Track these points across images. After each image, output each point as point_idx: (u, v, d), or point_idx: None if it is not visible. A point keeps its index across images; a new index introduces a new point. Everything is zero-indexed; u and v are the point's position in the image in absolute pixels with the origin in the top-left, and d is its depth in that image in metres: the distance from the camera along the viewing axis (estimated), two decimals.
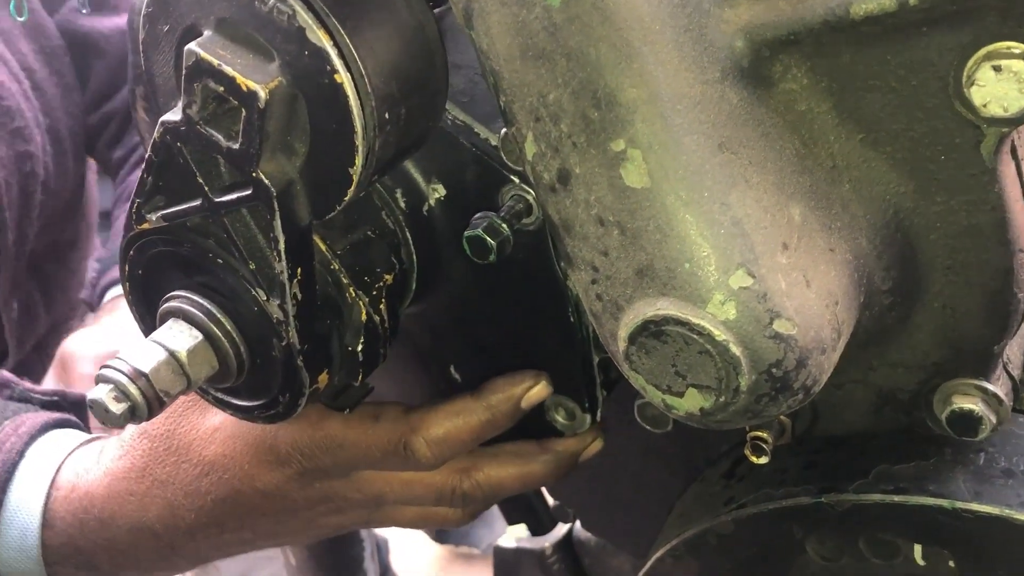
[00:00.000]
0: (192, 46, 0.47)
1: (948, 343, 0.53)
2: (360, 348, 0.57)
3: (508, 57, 0.46)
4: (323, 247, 0.56)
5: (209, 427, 0.65)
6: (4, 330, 1.22)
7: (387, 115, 0.48)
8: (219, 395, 0.58)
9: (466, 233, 0.54)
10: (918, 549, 0.55)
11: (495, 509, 0.86)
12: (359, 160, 0.48)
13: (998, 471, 0.54)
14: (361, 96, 0.47)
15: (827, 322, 0.46)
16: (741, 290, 0.44)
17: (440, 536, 2.26)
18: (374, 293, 0.57)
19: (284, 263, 0.51)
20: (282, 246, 0.50)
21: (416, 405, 0.63)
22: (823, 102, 0.47)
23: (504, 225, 0.54)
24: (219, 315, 0.53)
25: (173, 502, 0.66)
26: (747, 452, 0.57)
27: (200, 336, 0.53)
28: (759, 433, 0.57)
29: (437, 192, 0.58)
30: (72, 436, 0.72)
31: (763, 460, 0.57)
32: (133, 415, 0.51)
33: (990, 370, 0.53)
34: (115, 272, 1.28)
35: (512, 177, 0.55)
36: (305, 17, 0.46)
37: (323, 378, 0.55)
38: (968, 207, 0.48)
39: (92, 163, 1.40)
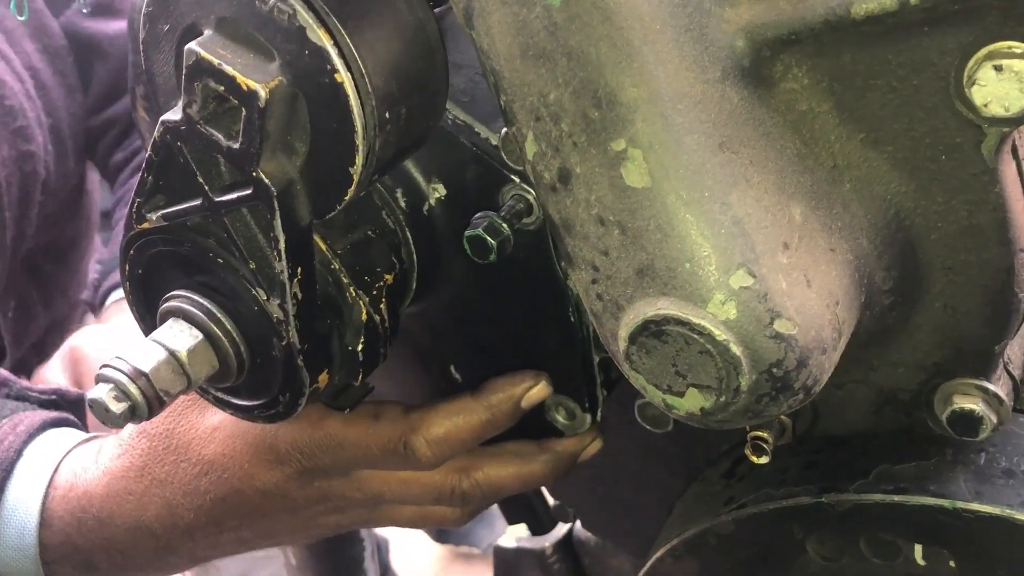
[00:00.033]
0: (192, 45, 0.47)
1: (949, 343, 0.53)
2: (360, 348, 0.57)
3: (508, 56, 0.46)
4: (323, 247, 0.56)
5: (209, 426, 0.65)
6: (0, 328, 1.22)
7: (387, 114, 0.48)
8: (219, 394, 0.58)
9: (466, 233, 0.54)
10: (919, 549, 0.55)
11: (495, 509, 0.86)
12: (359, 159, 0.48)
13: (999, 471, 0.54)
14: (361, 95, 0.47)
15: (828, 322, 0.46)
16: (742, 290, 0.44)
17: (440, 536, 2.26)
18: (374, 293, 0.57)
19: (284, 263, 0.51)
20: (282, 246, 0.50)
21: (416, 405, 0.63)
22: (824, 102, 0.47)
23: (504, 225, 0.54)
24: (219, 315, 0.53)
25: (172, 501, 0.66)
26: (747, 452, 0.57)
27: (200, 336, 0.53)
28: (759, 433, 0.57)
29: (437, 191, 0.58)
30: (70, 435, 0.72)
31: (763, 460, 0.57)
32: (133, 414, 0.51)
33: (991, 370, 0.53)
34: (118, 275, 1.28)
35: (513, 177, 0.55)
36: (305, 16, 0.46)
37: (323, 378, 0.55)
38: (969, 207, 0.48)
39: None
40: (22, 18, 1.20)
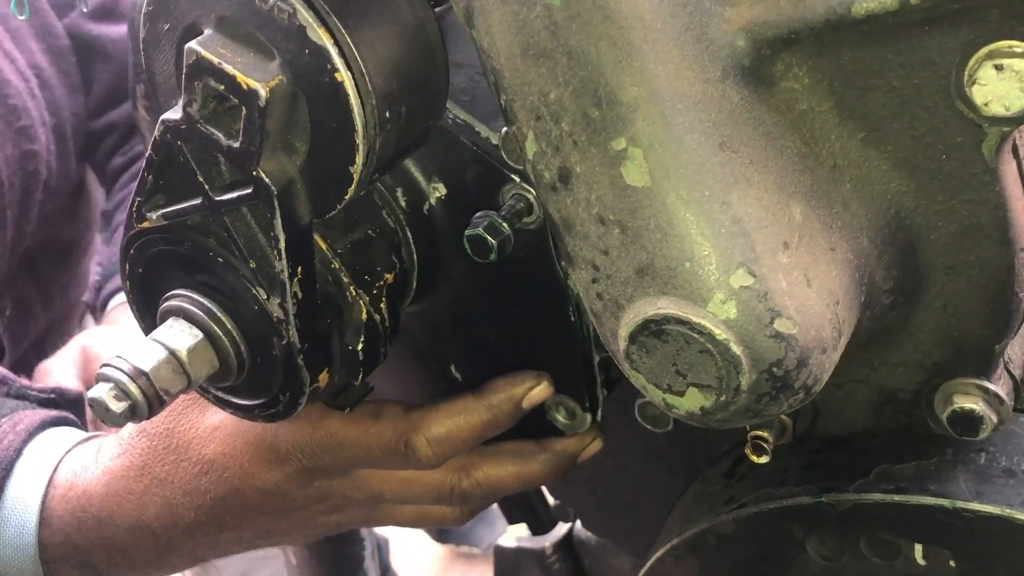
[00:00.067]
0: (192, 44, 0.47)
1: (949, 342, 0.53)
2: (360, 347, 0.57)
3: (509, 55, 0.46)
4: (324, 246, 0.56)
5: (209, 426, 0.65)
6: None
7: (388, 114, 0.48)
8: (219, 394, 0.58)
9: (467, 232, 0.54)
10: (919, 549, 0.55)
11: (496, 509, 0.86)
12: (359, 159, 0.48)
13: (999, 471, 0.54)
14: (362, 94, 0.47)
15: (828, 321, 0.46)
16: (742, 289, 0.44)
17: (441, 535, 2.26)
18: (375, 292, 0.57)
19: (284, 262, 0.51)
20: (282, 245, 0.50)
21: (417, 404, 0.63)
22: (824, 101, 0.47)
23: (505, 224, 0.54)
24: (219, 314, 0.53)
25: (172, 501, 0.66)
26: (748, 451, 0.57)
27: (200, 335, 0.53)
28: (760, 432, 0.57)
29: (438, 191, 0.58)
30: (70, 434, 0.72)
31: (764, 459, 0.57)
32: (133, 414, 0.51)
33: (991, 369, 0.53)
34: (119, 280, 1.29)
35: (513, 176, 0.55)
36: (306, 15, 0.46)
37: (323, 377, 0.55)
38: (969, 206, 0.48)
39: None
40: (23, 17, 1.20)
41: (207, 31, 0.48)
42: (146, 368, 0.51)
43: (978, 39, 0.43)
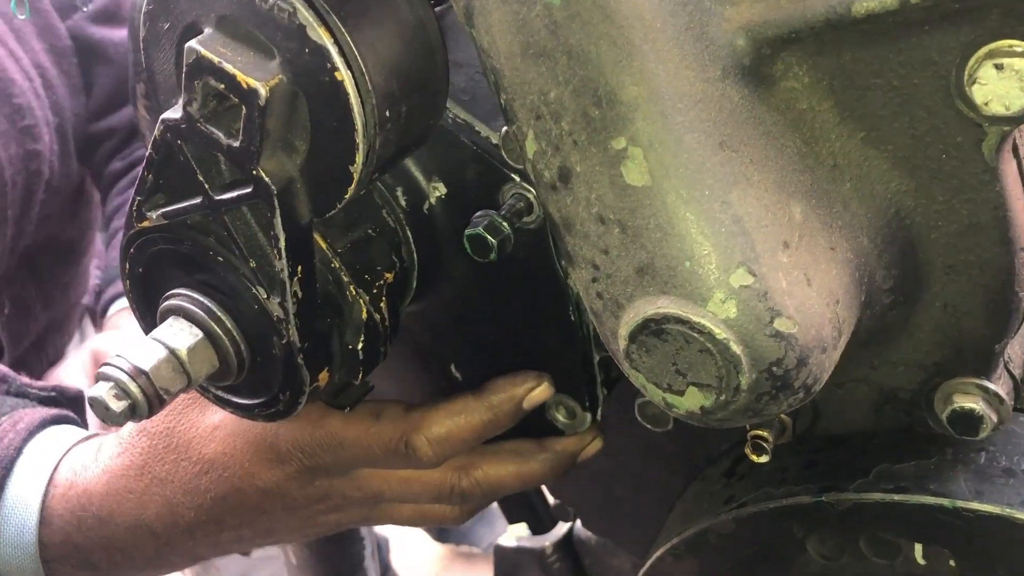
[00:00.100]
0: (192, 44, 0.47)
1: (949, 342, 0.53)
2: (360, 346, 0.57)
3: (509, 55, 0.46)
4: (324, 245, 0.56)
5: (209, 425, 0.65)
6: None
7: (388, 113, 0.48)
8: (219, 393, 0.58)
9: (467, 231, 0.54)
10: (919, 548, 0.55)
11: (496, 508, 0.86)
12: (359, 158, 0.48)
13: (999, 470, 0.54)
14: (362, 94, 0.47)
15: (828, 321, 0.46)
16: (742, 288, 0.44)
17: (441, 535, 2.26)
18: (375, 291, 0.57)
19: (284, 261, 0.51)
20: (282, 244, 0.50)
21: (417, 404, 0.63)
22: (824, 100, 0.47)
23: (505, 223, 0.54)
24: (219, 313, 0.53)
25: (172, 500, 0.66)
26: (747, 451, 0.57)
27: (200, 334, 0.53)
28: (760, 432, 0.57)
29: (438, 190, 0.58)
30: (70, 432, 0.72)
31: (764, 459, 0.57)
32: (133, 413, 0.51)
33: (991, 369, 0.53)
34: (120, 286, 1.29)
35: (513, 175, 0.55)
36: (306, 15, 0.46)
37: (323, 376, 0.55)
38: (969, 206, 0.48)
39: None
40: (23, 17, 1.20)
41: (207, 30, 0.48)
42: (146, 367, 0.51)
43: (978, 38, 0.43)
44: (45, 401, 0.77)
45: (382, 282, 0.58)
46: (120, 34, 1.32)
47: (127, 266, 0.56)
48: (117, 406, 0.51)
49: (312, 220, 0.52)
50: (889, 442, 0.57)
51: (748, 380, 0.45)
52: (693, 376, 0.46)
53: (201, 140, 0.49)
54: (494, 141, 0.56)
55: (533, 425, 0.64)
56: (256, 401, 0.57)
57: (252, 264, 0.52)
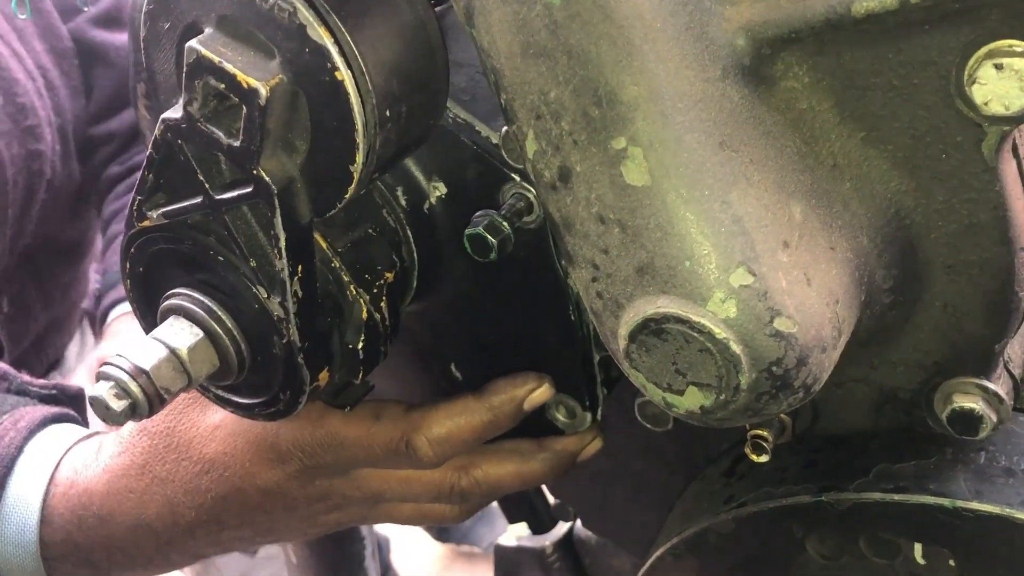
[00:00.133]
0: (193, 43, 0.47)
1: (949, 342, 0.53)
2: (361, 346, 0.57)
3: (509, 55, 0.46)
4: (324, 245, 0.56)
5: (209, 425, 0.65)
6: None
7: (388, 113, 0.48)
8: (220, 392, 0.58)
9: (467, 231, 0.54)
10: (918, 548, 0.55)
11: (496, 507, 0.86)
12: (360, 158, 0.48)
13: (999, 470, 0.54)
14: (362, 94, 0.47)
15: (828, 320, 0.46)
16: (742, 288, 0.44)
17: (441, 534, 2.26)
18: (375, 291, 0.57)
19: (285, 261, 0.51)
20: (283, 244, 0.50)
21: (417, 403, 0.63)
22: (824, 100, 0.47)
23: (505, 223, 0.54)
24: (220, 313, 0.53)
25: (173, 500, 0.66)
26: (747, 450, 0.57)
27: (201, 333, 0.53)
28: (759, 431, 0.57)
29: (438, 190, 0.58)
30: (71, 431, 0.72)
31: (763, 458, 0.57)
32: (134, 412, 0.51)
33: (991, 369, 0.53)
34: (121, 290, 1.29)
35: (513, 175, 0.55)
36: (306, 14, 0.46)
37: (324, 376, 0.55)
38: (969, 206, 0.48)
39: None
40: (23, 16, 1.20)
41: (207, 30, 0.48)
42: (147, 366, 0.51)
43: (978, 38, 0.43)
44: (46, 399, 0.77)
45: (382, 282, 0.58)
46: (122, 38, 1.32)
47: (128, 265, 0.56)
48: (118, 405, 0.51)
49: (312, 220, 0.52)
50: (889, 442, 0.57)
51: (748, 380, 0.45)
52: (693, 376, 0.46)
53: (201, 140, 0.49)
54: (494, 141, 0.56)
55: (533, 424, 0.64)
56: (256, 400, 0.57)
57: (252, 264, 0.52)
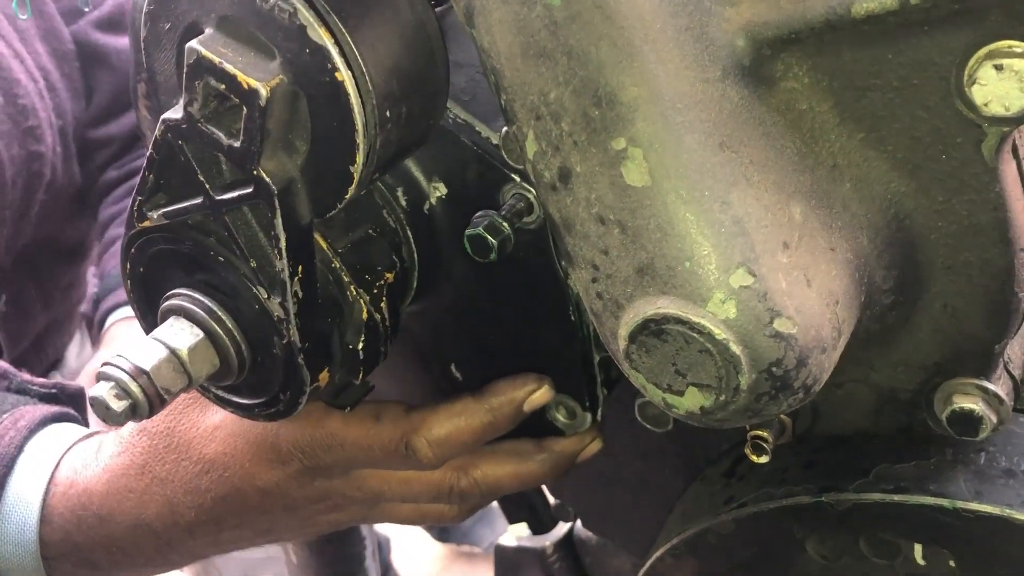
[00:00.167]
0: (193, 44, 0.48)
1: (949, 343, 0.53)
2: (361, 346, 0.57)
3: (509, 55, 0.46)
4: (324, 245, 0.56)
5: (209, 425, 0.65)
6: None
7: (388, 113, 0.48)
8: (220, 393, 0.58)
9: (467, 232, 0.54)
10: (918, 549, 0.55)
11: (497, 508, 0.86)
12: (360, 158, 0.48)
13: (999, 471, 0.54)
14: (362, 94, 0.47)
15: (827, 321, 0.46)
16: (741, 289, 0.44)
17: (442, 534, 2.26)
18: (375, 291, 0.57)
19: (285, 261, 0.51)
20: (283, 244, 0.50)
21: (417, 404, 0.63)
22: (824, 101, 0.47)
23: (505, 224, 0.54)
24: (220, 313, 0.53)
25: (172, 500, 0.66)
26: (747, 451, 0.57)
27: (201, 334, 0.53)
28: (759, 432, 0.57)
29: (438, 190, 0.58)
30: (71, 431, 0.72)
31: (763, 459, 0.57)
32: (134, 413, 0.51)
33: (991, 370, 0.53)
34: (119, 295, 1.29)
35: (513, 176, 0.55)
36: (306, 15, 0.46)
37: (324, 376, 0.55)
38: (969, 206, 0.48)
39: None
40: (24, 17, 1.20)
41: (208, 30, 0.48)
42: (147, 367, 0.51)
43: (978, 39, 0.43)
44: (46, 398, 0.77)
45: (382, 282, 0.58)
46: (123, 42, 1.32)
47: (128, 266, 0.56)
48: (118, 406, 0.51)
49: (313, 220, 0.52)
50: (889, 442, 0.57)
51: (748, 380, 0.45)
52: (693, 376, 0.46)
53: (202, 140, 0.49)
54: (494, 141, 0.56)
55: (533, 425, 0.64)
56: (256, 401, 0.57)
57: (253, 264, 0.52)
